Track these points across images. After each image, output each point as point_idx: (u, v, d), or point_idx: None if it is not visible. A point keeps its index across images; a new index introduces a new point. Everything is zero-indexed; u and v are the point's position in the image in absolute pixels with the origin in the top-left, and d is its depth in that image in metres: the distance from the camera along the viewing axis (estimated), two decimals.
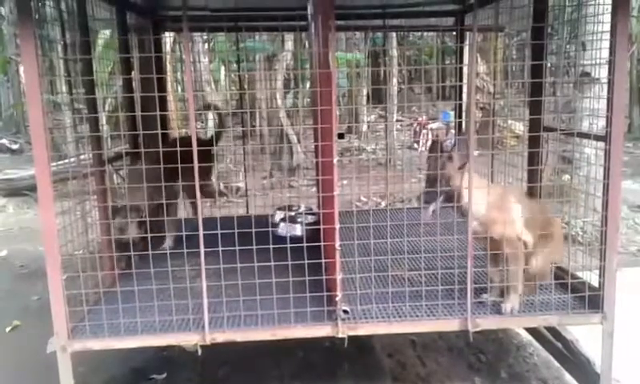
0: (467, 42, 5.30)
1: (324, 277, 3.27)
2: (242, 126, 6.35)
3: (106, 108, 7.70)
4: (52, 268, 2.91)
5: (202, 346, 3.05)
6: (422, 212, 3.22)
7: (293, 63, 11.54)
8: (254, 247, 3.08)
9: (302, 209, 5.19)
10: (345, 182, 7.25)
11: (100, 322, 3.08)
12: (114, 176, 4.58)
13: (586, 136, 3.65)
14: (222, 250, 3.05)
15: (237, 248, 3.06)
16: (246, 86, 8.71)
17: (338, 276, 2.99)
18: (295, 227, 4.73)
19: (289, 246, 3.07)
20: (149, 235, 3.29)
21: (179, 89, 10.14)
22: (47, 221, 2.86)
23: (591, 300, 3.15)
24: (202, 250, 2.96)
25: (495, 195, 3.20)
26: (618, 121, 2.94)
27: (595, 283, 3.22)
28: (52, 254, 2.90)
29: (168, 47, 8.84)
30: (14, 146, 16.19)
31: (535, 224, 3.16)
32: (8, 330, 4.73)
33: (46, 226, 2.87)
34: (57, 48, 5.68)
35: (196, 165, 2.93)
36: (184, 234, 2.98)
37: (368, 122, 15.94)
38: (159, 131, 3.07)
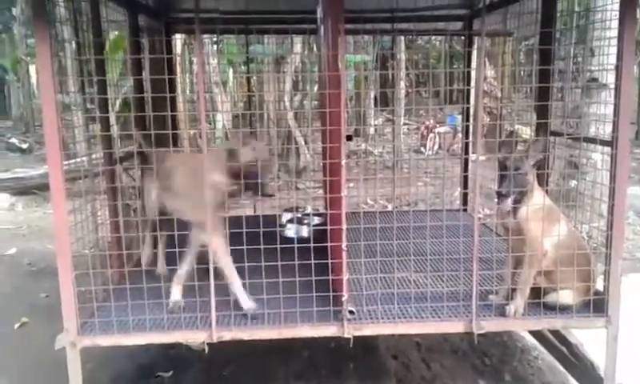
0: (475, 47, 5.32)
1: (330, 277, 3.30)
2: (250, 128, 6.38)
3: (116, 108, 7.74)
4: (63, 265, 2.94)
5: (208, 344, 3.08)
6: (500, 205, 3.18)
7: (301, 66, 11.58)
8: (262, 247, 3.10)
9: (309, 210, 5.22)
10: (352, 184, 7.27)
11: (109, 318, 3.11)
12: (124, 175, 4.63)
13: (593, 141, 3.67)
14: (230, 250, 3.09)
15: (244, 247, 3.09)
16: (254, 88, 8.75)
17: (345, 277, 3.02)
18: (302, 228, 4.76)
19: (296, 246, 3.10)
20: (158, 234, 3.32)
21: (187, 90, 10.20)
22: (59, 218, 2.90)
23: (596, 304, 3.16)
24: (211, 248, 2.99)
25: (549, 203, 3.24)
26: (625, 126, 2.95)
27: (600, 287, 3.23)
28: (63, 251, 2.93)
29: (178, 49, 8.91)
30: (24, 145, 16.29)
31: (564, 247, 3.17)
32: (17, 326, 4.78)
33: (57, 223, 2.91)
34: (69, 48, 5.74)
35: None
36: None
37: (375, 125, 15.96)
38: (170, 131, 3.11)
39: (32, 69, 18.24)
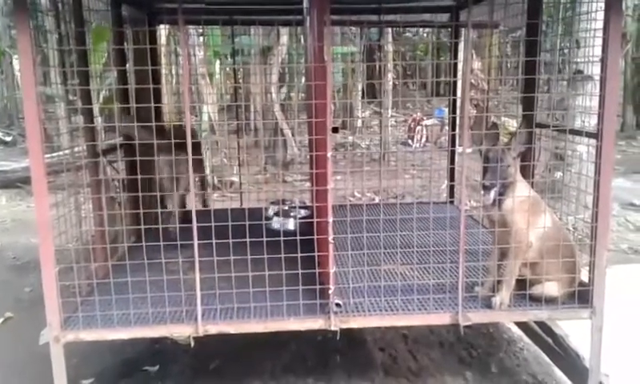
0: (462, 39, 5.32)
1: (317, 270, 3.29)
2: (237, 120, 6.34)
3: (100, 100, 7.64)
4: (45, 259, 2.90)
5: (194, 339, 3.06)
6: (483, 197, 3.18)
7: (288, 57, 11.53)
8: (248, 240, 3.08)
9: (296, 203, 5.21)
10: (339, 177, 7.27)
11: (93, 313, 3.08)
12: (108, 168, 4.57)
13: (578, 133, 3.68)
14: (216, 243, 3.06)
15: (230, 240, 3.06)
16: (240, 80, 8.70)
17: (331, 269, 3.01)
18: (288, 221, 4.75)
19: (282, 239, 3.09)
20: (142, 227, 3.29)
21: (173, 82, 10.12)
22: (41, 212, 2.86)
23: (581, 295, 3.18)
24: (196, 242, 2.97)
25: (534, 195, 3.27)
26: (610, 118, 2.96)
27: (585, 279, 3.25)
28: (46, 245, 2.89)
29: (163, 40, 8.82)
30: (7, 138, 16.08)
31: (549, 238, 3.18)
32: (1, 321, 4.73)
33: (40, 217, 2.87)
34: (51, 39, 5.66)
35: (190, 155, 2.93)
36: (177, 226, 2.99)
37: (362, 117, 15.95)
38: (153, 123, 3.07)
39: (15, 61, 17.98)
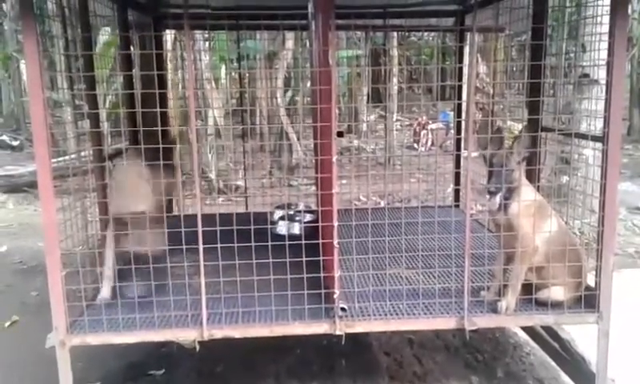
0: (467, 43, 5.32)
1: (322, 274, 3.29)
2: (242, 125, 6.36)
3: (106, 105, 7.68)
4: (51, 263, 2.91)
5: (199, 343, 3.06)
6: (489, 202, 3.18)
7: (293, 62, 11.54)
8: (253, 244, 3.09)
9: (301, 207, 5.21)
10: (344, 181, 7.26)
11: (99, 317, 3.09)
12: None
13: (584, 137, 3.67)
14: (221, 247, 3.07)
15: (235, 245, 3.07)
16: (246, 85, 8.71)
17: (336, 273, 3.01)
18: (294, 225, 4.75)
19: (287, 243, 3.09)
20: (148, 231, 3.29)
21: (179, 87, 10.15)
22: (48, 216, 2.87)
23: (587, 300, 3.17)
24: (201, 246, 2.97)
25: (539, 199, 3.26)
26: (616, 122, 2.95)
27: (592, 283, 3.24)
28: (52, 249, 2.91)
29: (169, 45, 8.85)
30: (15, 143, 16.16)
31: (555, 242, 3.17)
32: (7, 325, 4.75)
33: (46, 221, 2.88)
34: (58, 44, 5.69)
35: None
36: (183, 229, 2.99)
37: (368, 121, 15.93)
38: (159, 128, 3.07)
39: (23, 65, 18.10)
